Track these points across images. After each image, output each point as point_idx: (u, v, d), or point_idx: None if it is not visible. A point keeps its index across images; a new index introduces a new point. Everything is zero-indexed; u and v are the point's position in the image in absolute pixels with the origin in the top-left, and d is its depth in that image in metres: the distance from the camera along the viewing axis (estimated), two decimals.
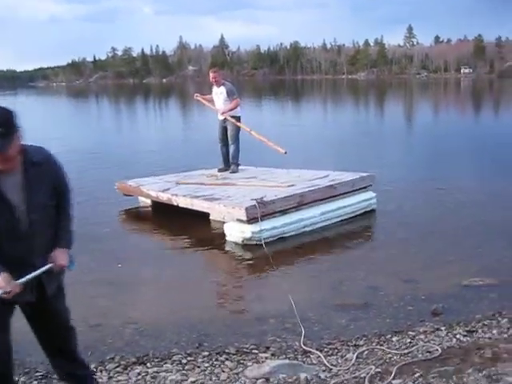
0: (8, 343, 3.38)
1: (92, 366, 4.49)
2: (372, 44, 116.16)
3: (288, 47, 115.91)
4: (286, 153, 9.73)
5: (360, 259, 7.19)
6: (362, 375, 4.16)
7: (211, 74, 10.30)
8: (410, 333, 5.00)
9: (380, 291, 6.04)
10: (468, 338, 4.86)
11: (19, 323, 5.20)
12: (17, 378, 4.36)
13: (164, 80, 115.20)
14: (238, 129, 10.23)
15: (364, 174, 9.06)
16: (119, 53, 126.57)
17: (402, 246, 7.57)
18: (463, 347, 4.65)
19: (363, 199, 8.84)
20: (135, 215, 9.68)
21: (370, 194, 8.98)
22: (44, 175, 3.16)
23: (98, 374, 4.38)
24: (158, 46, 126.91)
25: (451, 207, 9.45)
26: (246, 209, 7.43)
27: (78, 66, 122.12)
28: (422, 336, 4.93)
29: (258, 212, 7.44)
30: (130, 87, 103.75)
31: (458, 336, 4.91)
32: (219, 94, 10.24)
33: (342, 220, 8.50)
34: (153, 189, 9.18)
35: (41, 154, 3.19)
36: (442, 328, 5.09)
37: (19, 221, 3.04)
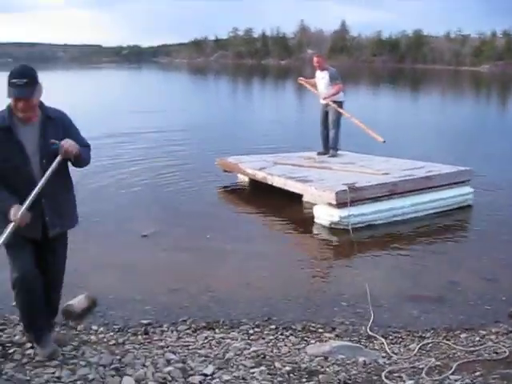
0: (33, 268, 3.79)
1: (164, 326, 4.84)
2: (500, 35, 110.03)
3: (410, 35, 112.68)
4: (384, 142, 9.66)
5: (446, 253, 7.05)
6: (421, 366, 4.17)
7: (315, 59, 10.47)
8: (481, 332, 4.91)
9: (459, 287, 5.93)
10: None
11: (102, 282, 5.66)
12: (96, 328, 4.77)
13: (282, 62, 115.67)
14: (339, 114, 10.23)
15: (462, 168, 8.82)
16: (240, 33, 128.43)
17: (493, 245, 7.31)
18: None
19: (459, 194, 8.60)
20: (232, 191, 9.97)
21: (467, 189, 8.72)
22: (59, 128, 3.70)
23: (169, 333, 4.69)
24: (278, 27, 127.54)
25: None
26: (337, 193, 7.49)
27: (199, 44, 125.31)
28: (493, 336, 4.82)
29: (348, 197, 7.46)
30: (248, 67, 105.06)
31: None
32: (321, 78, 10.36)
33: (434, 213, 8.32)
34: (250, 167, 9.43)
35: (57, 111, 3.80)
36: None
37: (33, 167, 3.63)
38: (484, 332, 4.91)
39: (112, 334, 4.68)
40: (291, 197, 8.59)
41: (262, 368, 4.04)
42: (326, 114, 10.41)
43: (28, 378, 3.78)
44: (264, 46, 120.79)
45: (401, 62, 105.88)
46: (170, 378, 3.84)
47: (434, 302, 5.58)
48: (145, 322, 4.91)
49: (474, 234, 7.91)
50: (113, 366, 4.00)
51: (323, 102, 10.37)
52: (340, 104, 10.27)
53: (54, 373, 3.88)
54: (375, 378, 3.97)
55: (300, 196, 8.51)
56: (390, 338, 4.76)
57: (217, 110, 25.40)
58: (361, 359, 4.25)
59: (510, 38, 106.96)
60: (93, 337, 4.59)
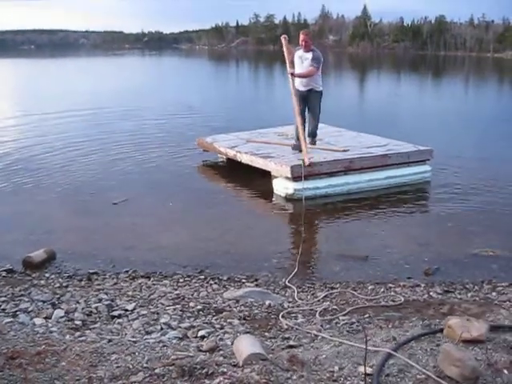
0: None
1: (107, 275, 5.54)
2: None
3: (433, 21, 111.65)
4: (308, 163, 8.33)
5: (389, 221, 7.60)
6: (317, 309, 4.78)
7: (301, 36, 9.11)
8: (390, 285, 5.47)
9: (388, 249, 6.48)
10: (440, 296, 5.23)
11: (64, 240, 6.35)
12: (48, 275, 5.49)
13: None
14: (319, 105, 9.32)
15: (422, 148, 9.31)
16: (261, 19, 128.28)
17: (439, 217, 7.80)
18: (427, 301, 5.06)
19: (416, 172, 9.10)
20: (210, 167, 10.58)
21: (424, 168, 9.21)
22: None
23: (109, 280, 5.38)
24: (299, 13, 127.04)
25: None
26: (292, 167, 8.09)
27: (220, 30, 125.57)
28: (398, 289, 5.39)
29: (303, 171, 8.05)
30: (269, 54, 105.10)
31: (431, 293, 5.30)
32: (304, 59, 9.10)
33: (390, 188, 8.84)
34: (223, 145, 10.04)
35: None
36: (422, 285, 5.49)
37: None
38: (392, 285, 5.47)
39: (60, 280, 5.39)
40: (263, 173, 9.16)
41: (177, 306, 4.70)
42: (304, 104, 9.26)
43: None
44: (285, 33, 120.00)
45: (422, 49, 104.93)
46: (95, 311, 4.55)
47: (359, 260, 6.15)
48: (91, 271, 5.61)
49: (423, 208, 8.46)
50: (50, 302, 4.71)
51: (302, 88, 9.20)
52: (320, 93, 9.29)
53: (0, 305, 4.61)
54: (273, 316, 4.61)
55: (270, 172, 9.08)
56: (303, 287, 5.37)
57: (225, 92, 26.29)
58: (267, 302, 4.88)
59: None
60: (42, 281, 5.30)
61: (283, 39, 9.61)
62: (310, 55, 9.07)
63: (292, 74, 9.14)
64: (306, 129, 9.39)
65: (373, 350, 3.68)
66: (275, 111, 16.87)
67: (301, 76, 9.15)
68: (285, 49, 9.41)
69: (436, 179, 9.42)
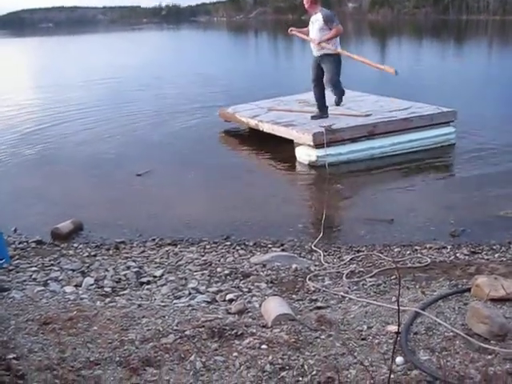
0: None
1: (134, 243, 5.60)
2: None
3: None
4: (396, 73, 8.29)
5: (414, 185, 7.50)
6: (344, 271, 4.79)
7: None
8: (416, 247, 5.45)
9: (413, 212, 6.44)
10: (467, 257, 5.21)
11: (91, 211, 6.43)
12: (76, 245, 5.57)
13: None
14: (337, 70, 8.70)
15: (445, 109, 9.17)
16: None
17: (464, 180, 7.74)
18: (454, 262, 5.04)
19: (440, 134, 8.98)
20: (233, 137, 10.53)
21: (449, 129, 9.08)
22: None
23: (136, 248, 5.44)
24: None
25: None
26: (314, 134, 8.04)
27: (238, 1, 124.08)
28: (424, 250, 5.37)
29: (325, 138, 8.00)
30: (288, 23, 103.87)
31: (458, 254, 5.27)
32: (314, 22, 8.54)
33: (415, 152, 8.74)
34: (245, 115, 10.00)
35: None
36: (449, 246, 5.46)
37: None
38: (418, 247, 5.45)
39: (89, 249, 5.47)
40: (286, 141, 9.12)
41: (205, 271, 4.75)
42: (318, 70, 8.81)
43: (9, 278, 4.61)
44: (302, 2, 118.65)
45: (444, 14, 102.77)
46: (124, 278, 4.62)
47: (384, 224, 6.11)
48: (118, 240, 5.68)
49: (449, 170, 8.37)
50: (80, 270, 4.79)
51: (316, 53, 8.73)
52: (334, 57, 8.63)
53: (31, 275, 4.70)
54: (300, 279, 4.63)
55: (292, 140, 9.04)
56: (329, 251, 5.38)
57: (245, 61, 26.31)
58: (294, 266, 4.90)
59: None
60: (71, 251, 5.39)
61: (292, 32, 9.23)
62: (319, 16, 8.44)
63: (319, 43, 8.52)
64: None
65: (401, 310, 3.69)
66: (296, 79, 16.67)
67: (329, 38, 8.46)
68: (301, 35, 9.10)
69: (460, 141, 9.28)
